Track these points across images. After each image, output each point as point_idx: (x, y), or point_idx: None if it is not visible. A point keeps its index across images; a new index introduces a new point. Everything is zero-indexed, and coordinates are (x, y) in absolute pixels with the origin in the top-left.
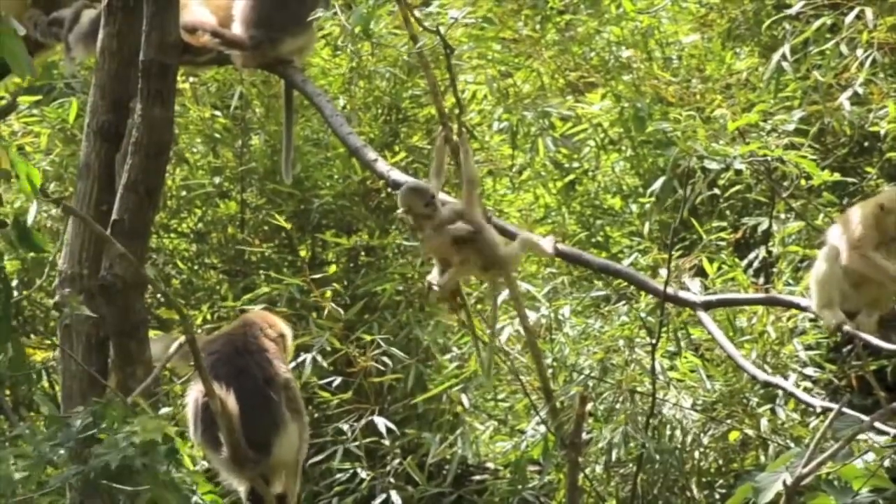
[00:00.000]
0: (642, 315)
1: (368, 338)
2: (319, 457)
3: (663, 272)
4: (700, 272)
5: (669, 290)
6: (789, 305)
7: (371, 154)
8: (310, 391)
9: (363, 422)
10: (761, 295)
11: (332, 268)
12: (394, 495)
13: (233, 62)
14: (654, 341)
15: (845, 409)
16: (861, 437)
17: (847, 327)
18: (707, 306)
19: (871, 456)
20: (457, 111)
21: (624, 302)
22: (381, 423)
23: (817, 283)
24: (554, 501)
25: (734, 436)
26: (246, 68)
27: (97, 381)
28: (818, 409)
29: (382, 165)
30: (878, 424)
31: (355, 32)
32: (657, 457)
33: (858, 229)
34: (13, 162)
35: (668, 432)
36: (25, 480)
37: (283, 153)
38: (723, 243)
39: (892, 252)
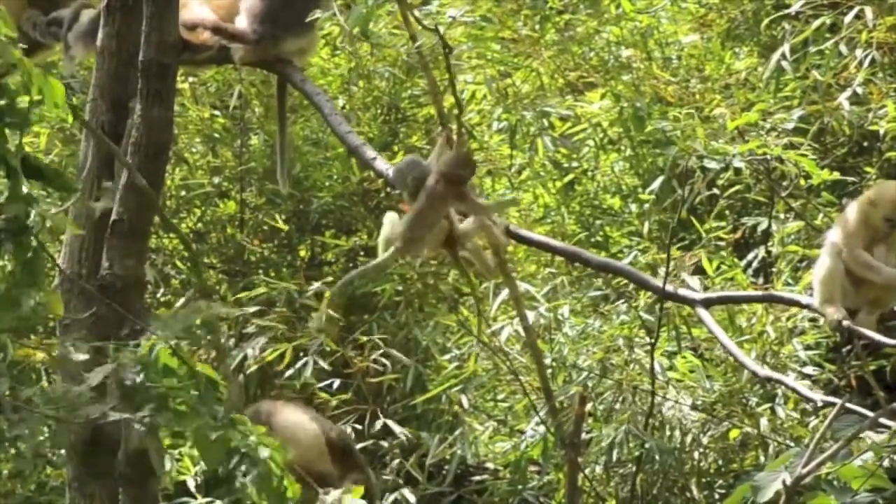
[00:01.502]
0: (641, 314)
1: (365, 339)
2: None
3: (662, 271)
4: (699, 271)
5: (669, 288)
6: (790, 303)
7: (370, 152)
8: (309, 392)
9: (377, 423)
10: (762, 292)
11: (328, 272)
12: (393, 496)
13: (232, 60)
14: (653, 340)
15: (847, 405)
16: (860, 436)
17: (847, 323)
18: (707, 304)
19: (870, 456)
20: (456, 111)
21: (623, 300)
22: (392, 425)
23: (819, 279)
24: (553, 501)
25: (734, 434)
26: (245, 64)
27: None
28: (819, 404)
29: (381, 164)
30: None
31: (354, 33)
32: (657, 457)
33: (848, 226)
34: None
35: (667, 432)
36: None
37: (277, 161)
38: (722, 243)
39: (892, 248)
